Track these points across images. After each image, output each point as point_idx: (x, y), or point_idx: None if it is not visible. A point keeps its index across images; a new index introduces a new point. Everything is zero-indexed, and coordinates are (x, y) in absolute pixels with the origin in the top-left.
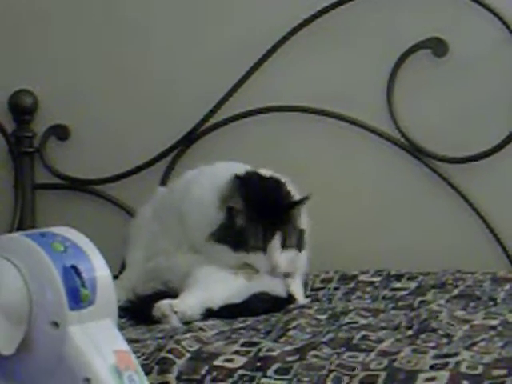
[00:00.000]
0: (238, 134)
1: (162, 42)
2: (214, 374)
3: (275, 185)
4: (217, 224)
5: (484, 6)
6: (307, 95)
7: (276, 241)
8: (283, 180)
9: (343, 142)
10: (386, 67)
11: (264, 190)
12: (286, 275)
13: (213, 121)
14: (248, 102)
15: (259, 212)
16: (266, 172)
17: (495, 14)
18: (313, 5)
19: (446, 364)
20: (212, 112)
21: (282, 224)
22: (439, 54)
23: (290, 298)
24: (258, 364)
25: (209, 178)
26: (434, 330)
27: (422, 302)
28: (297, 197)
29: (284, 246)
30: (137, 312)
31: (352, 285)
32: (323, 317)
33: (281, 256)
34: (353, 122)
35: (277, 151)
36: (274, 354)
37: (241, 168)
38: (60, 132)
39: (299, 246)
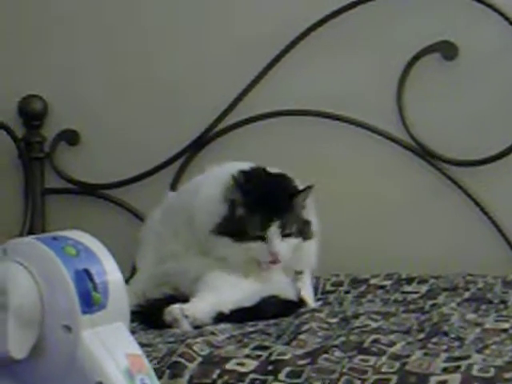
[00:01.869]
0: (248, 138)
1: (171, 47)
2: (226, 377)
3: (279, 178)
4: (220, 218)
5: (494, 9)
6: (317, 99)
7: (274, 228)
8: (290, 176)
9: (353, 146)
10: (396, 70)
11: (266, 182)
12: (298, 272)
13: (222, 125)
14: (257, 106)
15: (258, 201)
16: (273, 169)
17: (505, 16)
18: (322, 9)
19: (458, 367)
20: (221, 117)
21: (282, 212)
22: (449, 58)
23: (301, 302)
24: (270, 368)
25: (216, 177)
26: (446, 333)
27: (433, 305)
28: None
29: (284, 234)
30: (148, 316)
31: (363, 288)
32: (334, 320)
33: (281, 244)
34: (363, 126)
35: (286, 155)
36: (286, 357)
37: (248, 166)
38: (70, 137)
39: (304, 236)
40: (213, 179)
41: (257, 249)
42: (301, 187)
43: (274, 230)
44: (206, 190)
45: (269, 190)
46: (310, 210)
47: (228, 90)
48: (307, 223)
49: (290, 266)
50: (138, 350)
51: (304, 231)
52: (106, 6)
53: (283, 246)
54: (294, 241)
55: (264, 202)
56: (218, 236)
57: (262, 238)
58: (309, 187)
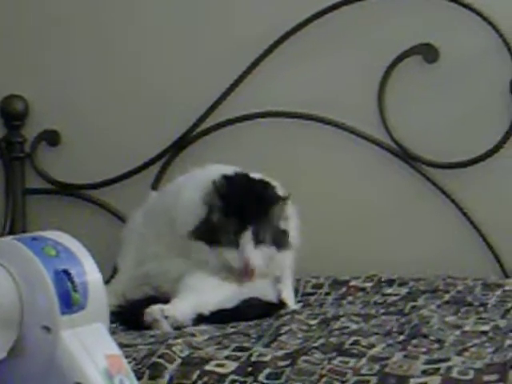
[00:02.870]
0: (229, 139)
1: (153, 46)
2: (205, 379)
3: (261, 185)
4: (198, 221)
5: (475, 11)
6: (298, 101)
7: (248, 235)
8: (273, 184)
9: (335, 148)
10: (378, 73)
11: (246, 189)
12: (277, 279)
13: (204, 126)
14: (239, 107)
15: (234, 208)
16: (257, 175)
17: (486, 19)
18: (304, 11)
19: (437, 369)
20: (203, 117)
21: (256, 219)
22: (430, 60)
23: (281, 304)
24: (249, 369)
25: (198, 180)
26: (425, 336)
27: (413, 307)
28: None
29: (257, 241)
30: (128, 317)
31: (343, 290)
32: (314, 322)
33: (254, 251)
34: (344, 128)
35: (268, 157)
36: (266, 359)
37: (231, 170)
38: (51, 137)
39: (279, 245)
40: (195, 182)
41: (229, 255)
42: (280, 195)
43: (246, 237)
44: (187, 193)
45: (247, 196)
46: (292, 222)
47: (210, 91)
48: (283, 233)
49: (264, 276)
50: (117, 351)
51: (279, 240)
52: (89, 5)
53: (256, 254)
54: (267, 249)
55: (240, 209)
56: (194, 240)
57: (236, 245)
58: (285, 197)
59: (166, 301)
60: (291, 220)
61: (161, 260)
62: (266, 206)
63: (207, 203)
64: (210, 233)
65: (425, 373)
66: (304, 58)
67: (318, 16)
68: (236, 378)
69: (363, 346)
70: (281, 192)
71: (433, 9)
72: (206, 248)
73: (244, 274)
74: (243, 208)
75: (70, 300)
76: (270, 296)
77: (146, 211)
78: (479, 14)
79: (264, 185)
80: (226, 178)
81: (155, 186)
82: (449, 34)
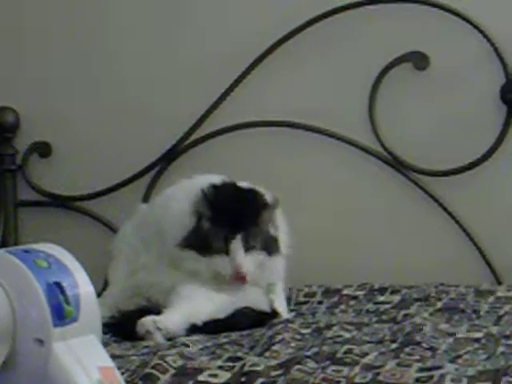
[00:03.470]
0: (220, 149)
1: (141, 57)
2: None
3: (248, 193)
4: (187, 231)
5: (465, 19)
6: (288, 110)
7: (237, 242)
8: (261, 191)
9: (326, 157)
10: (368, 81)
11: (234, 196)
12: (270, 283)
13: (194, 137)
14: (229, 117)
15: (223, 215)
16: (245, 184)
17: (476, 27)
18: (294, 20)
19: (431, 377)
20: (193, 129)
21: (245, 225)
22: (420, 68)
23: (274, 313)
24: (243, 379)
25: (186, 190)
26: (418, 343)
27: (405, 315)
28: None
29: (247, 247)
30: (120, 328)
31: (335, 299)
32: (307, 331)
33: (244, 257)
34: (335, 136)
35: (259, 167)
36: (259, 368)
37: (219, 179)
38: (42, 149)
39: (269, 251)
40: (183, 193)
41: (220, 262)
42: (268, 201)
43: (236, 243)
44: (175, 205)
45: (235, 204)
46: (281, 227)
47: (199, 102)
48: (273, 239)
49: (257, 282)
50: (110, 363)
51: (269, 246)
52: (79, 18)
53: (246, 260)
54: (257, 255)
55: (229, 216)
56: (184, 249)
57: (226, 252)
58: (273, 202)
59: (158, 311)
60: (281, 227)
61: (152, 271)
62: (255, 212)
63: (196, 212)
64: (199, 241)
65: (418, 381)
66: (293, 66)
67: (308, 25)
68: None
69: (356, 355)
70: (269, 199)
71: (422, 16)
72: (196, 257)
73: (236, 279)
74: (232, 215)
75: (62, 312)
76: (262, 305)
77: (136, 223)
78: (469, 21)
79: (252, 192)
80: (214, 186)
81: (146, 197)
82: (439, 41)
